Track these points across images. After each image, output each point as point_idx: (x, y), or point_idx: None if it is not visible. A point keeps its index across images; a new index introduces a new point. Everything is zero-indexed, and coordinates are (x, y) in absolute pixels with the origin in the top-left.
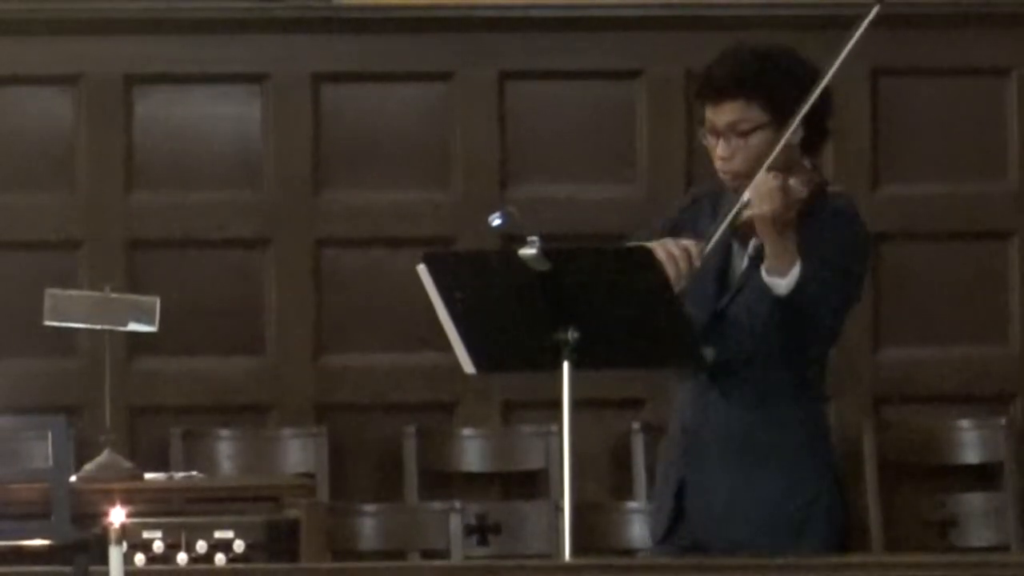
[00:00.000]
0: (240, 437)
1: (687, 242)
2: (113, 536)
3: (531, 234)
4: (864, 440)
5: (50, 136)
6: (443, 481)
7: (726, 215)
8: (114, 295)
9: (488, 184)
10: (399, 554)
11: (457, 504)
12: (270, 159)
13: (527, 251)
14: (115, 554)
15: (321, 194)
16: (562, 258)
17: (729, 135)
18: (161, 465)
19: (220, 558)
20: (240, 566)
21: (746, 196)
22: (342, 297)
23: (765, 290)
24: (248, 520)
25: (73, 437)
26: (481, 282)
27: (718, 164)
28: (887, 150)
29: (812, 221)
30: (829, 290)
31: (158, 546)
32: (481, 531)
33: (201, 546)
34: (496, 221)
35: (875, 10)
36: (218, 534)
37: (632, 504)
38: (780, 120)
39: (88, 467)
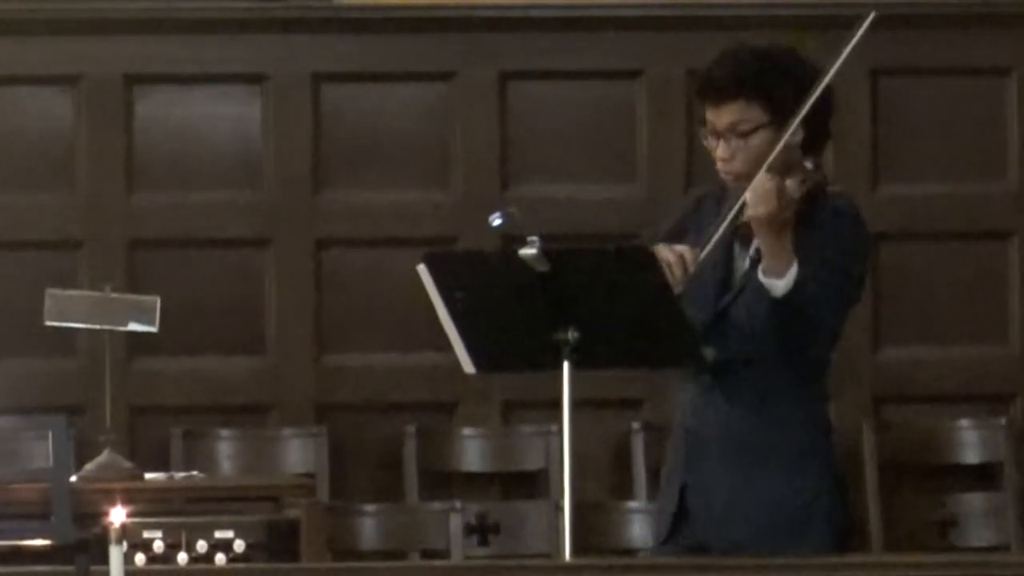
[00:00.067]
0: (240, 437)
1: (682, 248)
2: (113, 536)
3: (531, 234)
4: (864, 440)
5: (50, 136)
6: (443, 481)
7: (726, 216)
8: (114, 295)
9: (488, 184)
10: (399, 554)
11: (457, 504)
12: (270, 159)
13: (527, 251)
14: (115, 554)
15: (321, 194)
16: (562, 258)
17: (729, 136)
18: (161, 465)
19: (220, 558)
20: (240, 566)
21: (745, 197)
22: (342, 297)
23: (763, 291)
24: (248, 520)
25: (73, 437)
26: (481, 282)
27: (719, 165)
28: (887, 150)
29: (812, 221)
30: (828, 290)
31: (158, 546)
32: (481, 531)
33: (201, 546)
34: (496, 221)
35: (871, 16)
36: (218, 534)
37: (632, 504)
38: (780, 120)
39: (88, 467)
